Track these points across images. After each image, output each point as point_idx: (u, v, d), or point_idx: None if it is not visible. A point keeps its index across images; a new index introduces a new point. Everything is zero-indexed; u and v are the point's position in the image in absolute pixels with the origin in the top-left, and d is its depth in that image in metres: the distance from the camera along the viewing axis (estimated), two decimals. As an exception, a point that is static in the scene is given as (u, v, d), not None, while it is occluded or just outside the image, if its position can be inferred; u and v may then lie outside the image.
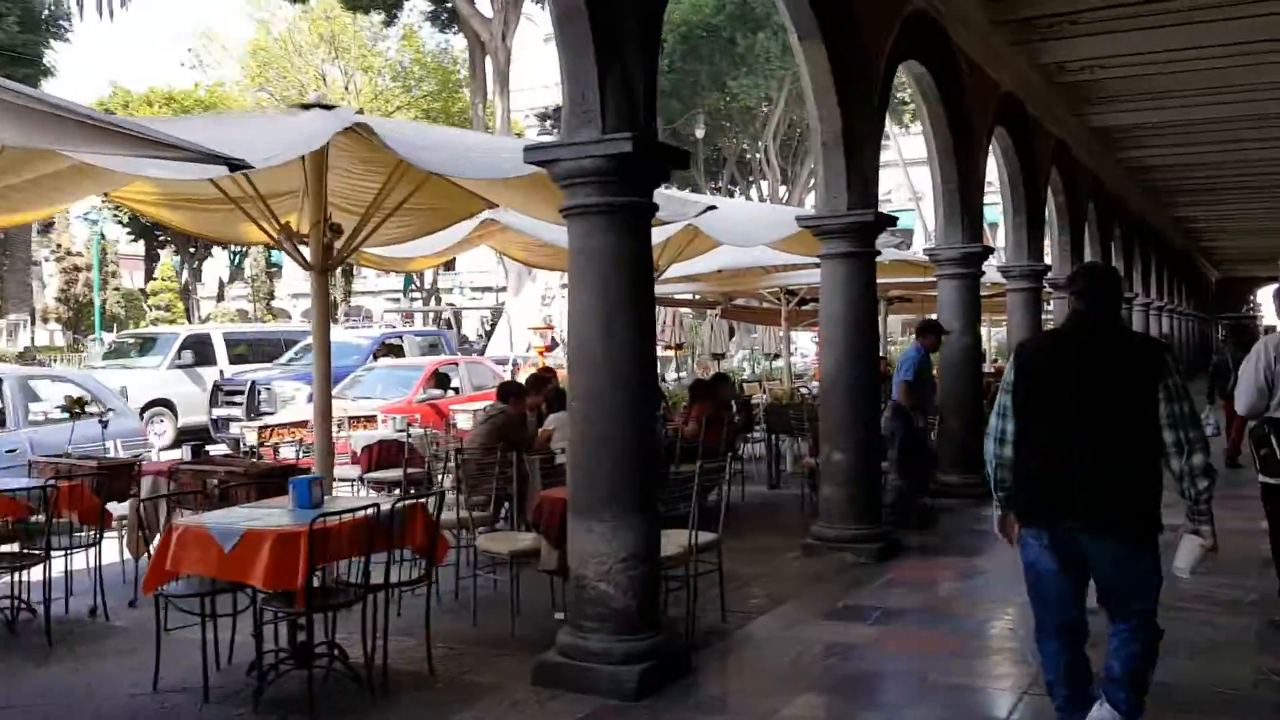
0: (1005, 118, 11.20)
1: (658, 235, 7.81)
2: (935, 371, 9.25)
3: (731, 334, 28.86)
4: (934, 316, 9.89)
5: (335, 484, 9.15)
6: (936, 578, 6.79)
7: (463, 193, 6.82)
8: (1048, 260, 13.68)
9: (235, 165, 3.99)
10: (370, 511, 4.67)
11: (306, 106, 6.06)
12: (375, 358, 16.84)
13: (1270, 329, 15.42)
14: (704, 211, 6.87)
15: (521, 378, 11.16)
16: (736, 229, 8.31)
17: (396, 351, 18.07)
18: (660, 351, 22.30)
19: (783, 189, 33.83)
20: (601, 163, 4.53)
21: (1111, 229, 17.93)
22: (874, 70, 7.71)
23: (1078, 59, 11.00)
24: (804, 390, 14.68)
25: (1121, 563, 3.56)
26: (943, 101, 9.51)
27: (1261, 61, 10.50)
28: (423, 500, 5.02)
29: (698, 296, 16.01)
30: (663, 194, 7.93)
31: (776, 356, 19.47)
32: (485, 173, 5.42)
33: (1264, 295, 43.53)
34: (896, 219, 7.52)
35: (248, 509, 5.01)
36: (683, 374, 19.81)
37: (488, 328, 38.28)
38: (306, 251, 6.29)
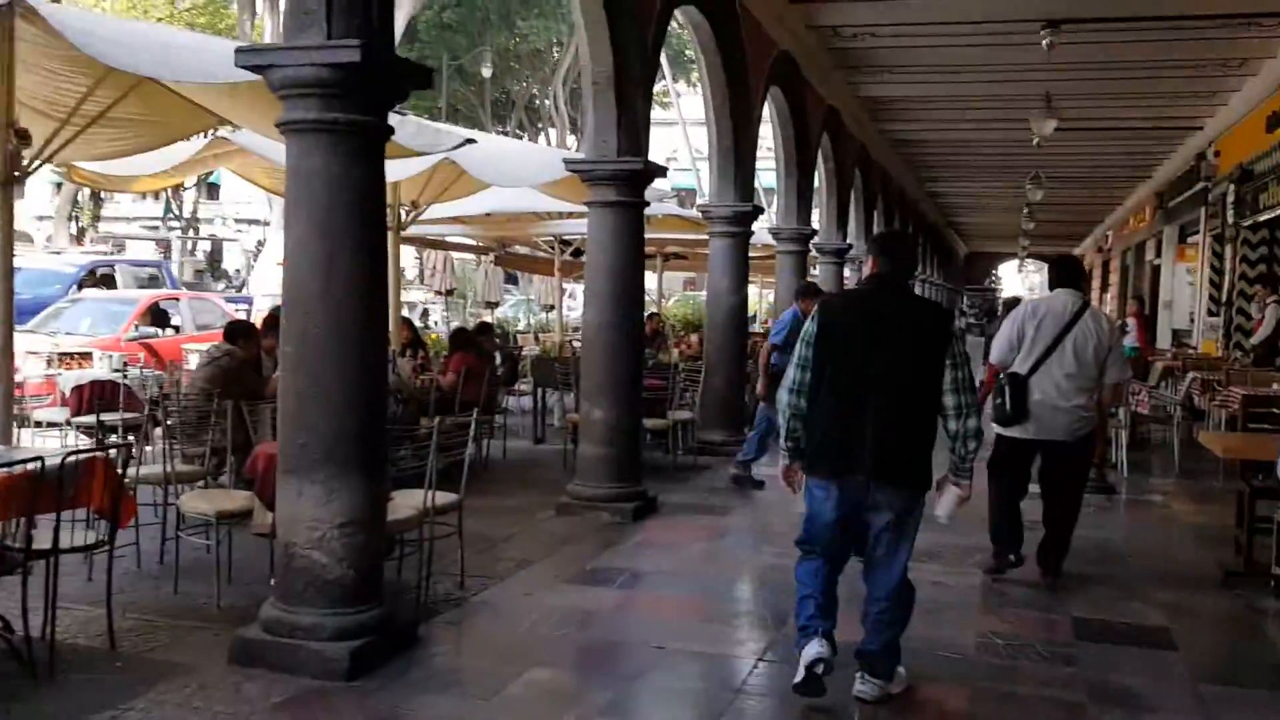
0: (781, 78, 11.22)
1: (413, 168, 7.25)
2: None
3: (514, 282, 28.29)
4: (815, 277, 9.71)
5: (33, 430, 8.09)
6: (688, 538, 6.67)
7: (184, 104, 5.97)
8: (815, 225, 13.99)
9: None
10: (34, 466, 3.94)
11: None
12: (80, 288, 15.00)
13: (1015, 299, 16.68)
14: (461, 145, 6.35)
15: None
16: (501, 168, 7.82)
17: (107, 282, 16.17)
18: (429, 296, 21.53)
19: (571, 138, 33.36)
20: (324, 72, 3.94)
21: (875, 199, 18.69)
22: (648, 9, 7.38)
23: (852, 24, 11.13)
24: (575, 344, 14.44)
25: (900, 514, 3.83)
26: (720, 54, 9.34)
27: (1008, 43, 10.96)
28: (102, 453, 4.31)
29: (475, 242, 15.39)
30: (418, 123, 7.36)
31: (551, 308, 19.13)
32: (190, 75, 4.68)
33: (1004, 270, 47.50)
34: (666, 169, 7.28)
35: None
36: (454, 321, 19.13)
37: (252, 263, 35.79)
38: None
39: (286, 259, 4.25)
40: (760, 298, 23.80)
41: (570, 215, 11.08)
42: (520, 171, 8.08)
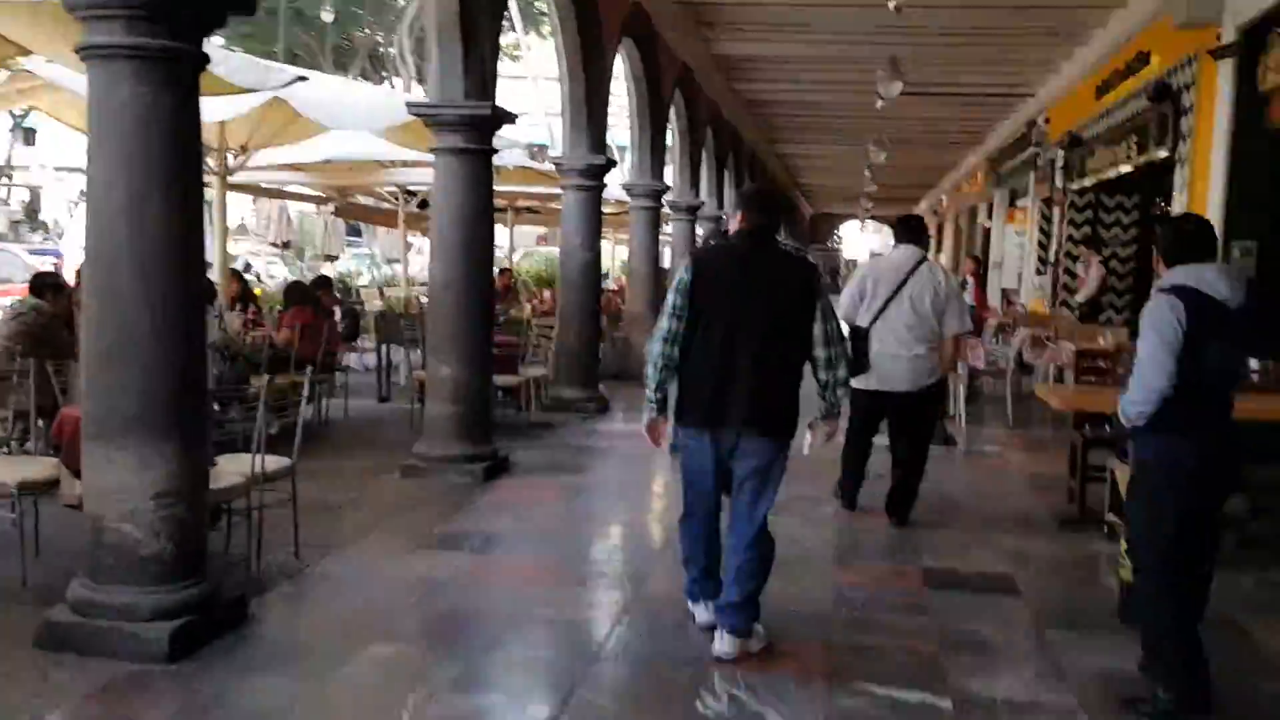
0: (633, 30, 10.98)
1: (240, 107, 6.69)
2: None
3: (358, 234, 27.17)
4: (668, 236, 9.34)
5: None
6: (542, 498, 6.48)
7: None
8: (669, 182, 13.88)
9: None
10: None
11: None
12: None
13: (852, 261, 17.17)
14: (292, 83, 5.87)
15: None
16: (337, 110, 7.32)
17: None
18: (261, 247, 20.39)
19: (418, 88, 32.13)
20: (129, -13, 3.48)
21: (726, 157, 18.78)
22: (498, -53, 7.01)
23: (705, -23, 10.99)
24: (422, 299, 13.94)
25: (767, 463, 3.90)
26: (573, 4, 9.03)
27: (858, 3, 11.05)
28: None
29: (313, 192, 14.59)
30: (245, 58, 6.80)
31: (395, 261, 18.47)
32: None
33: (845, 230, 48.93)
34: (515, 116, 6.95)
35: None
36: (288, 275, 18.19)
37: (72, 213, 33.09)
38: None
39: (89, 202, 3.78)
40: (613, 254, 23.70)
41: (416, 164, 10.57)
42: (359, 115, 7.59)
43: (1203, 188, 8.52)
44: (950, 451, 8.34)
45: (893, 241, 6.32)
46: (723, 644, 3.90)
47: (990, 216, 21.96)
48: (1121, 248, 14.00)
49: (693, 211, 15.68)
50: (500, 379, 8.56)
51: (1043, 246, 16.27)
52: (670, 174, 14.92)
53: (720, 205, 18.55)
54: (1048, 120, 15.60)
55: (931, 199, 34.29)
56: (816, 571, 5.06)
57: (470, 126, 6.63)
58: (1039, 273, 16.28)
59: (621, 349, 13.22)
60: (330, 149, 9.88)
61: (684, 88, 14.03)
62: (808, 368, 3.96)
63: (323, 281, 10.90)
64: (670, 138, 14.74)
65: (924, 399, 5.92)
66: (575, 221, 9.92)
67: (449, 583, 4.77)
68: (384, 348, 10.50)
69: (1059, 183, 14.32)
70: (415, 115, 6.80)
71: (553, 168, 10.25)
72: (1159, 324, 3.44)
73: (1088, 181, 12.88)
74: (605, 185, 10.13)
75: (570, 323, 9.97)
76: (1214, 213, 8.16)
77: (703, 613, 4.15)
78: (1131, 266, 13.98)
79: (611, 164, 9.98)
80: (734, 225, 4.08)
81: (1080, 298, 13.37)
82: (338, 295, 12.38)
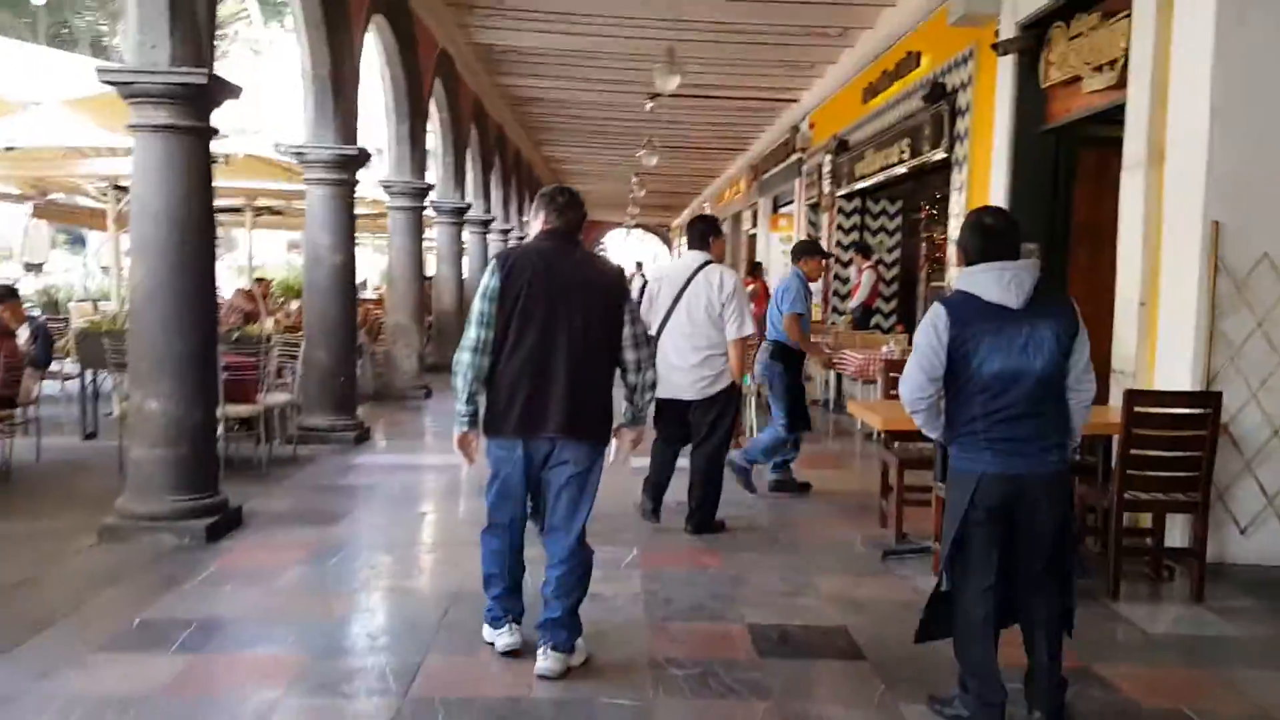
0: (385, 6, 9.80)
1: None
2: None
3: (81, 242, 23.98)
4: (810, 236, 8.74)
5: None
6: (283, 560, 5.23)
7: None
8: (431, 180, 12.69)
9: None
10: None
11: None
12: None
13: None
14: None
15: None
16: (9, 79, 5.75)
17: None
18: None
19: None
20: None
21: (493, 156, 17.73)
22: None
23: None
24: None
25: (584, 470, 3.78)
26: (313, -35, 7.79)
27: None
28: None
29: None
30: None
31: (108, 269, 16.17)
32: None
33: (609, 239, 48.90)
34: (239, 88, 5.68)
35: None
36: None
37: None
38: None
39: None
40: (375, 263, 22.06)
41: (128, 152, 8.90)
42: (34, 82, 6.02)
43: (982, 188, 8.41)
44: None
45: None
46: (547, 661, 3.74)
47: (755, 224, 22.12)
48: (887, 253, 14.19)
49: (459, 214, 14.56)
50: (233, 410, 7.20)
51: (811, 252, 16.33)
52: (435, 175, 13.74)
53: (488, 208, 17.47)
54: (811, 125, 15.67)
55: (694, 207, 34.66)
56: (628, 637, 4.20)
57: (180, 99, 5.31)
58: (809, 278, 16.32)
59: (384, 367, 11.92)
60: (12, 134, 8.09)
61: (444, 76, 12.92)
62: None
63: (9, 293, 8.98)
64: (434, 138, 13.57)
65: (708, 406, 5.81)
66: (322, 220, 8.64)
67: (146, 702, 3.52)
68: (88, 373, 8.75)
69: (826, 188, 14.33)
70: (108, 83, 5.39)
71: (291, 158, 8.89)
72: (920, 331, 3.39)
73: (858, 186, 12.87)
74: (358, 181, 8.89)
75: (320, 338, 8.67)
76: (997, 215, 8.04)
77: (506, 638, 3.93)
78: (897, 272, 14.21)
79: (365, 155, 8.76)
80: (536, 226, 3.90)
81: (854, 303, 13.39)
82: (32, 312, 10.38)
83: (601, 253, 49.01)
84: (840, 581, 5.01)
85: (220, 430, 6.31)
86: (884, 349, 9.34)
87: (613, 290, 3.83)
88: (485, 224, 17.42)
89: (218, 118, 5.69)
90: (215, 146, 9.90)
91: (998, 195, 8.03)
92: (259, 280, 12.92)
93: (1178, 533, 5.22)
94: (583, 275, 3.78)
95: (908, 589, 4.90)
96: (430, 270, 15.22)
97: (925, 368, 3.32)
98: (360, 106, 9.00)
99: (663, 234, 46.19)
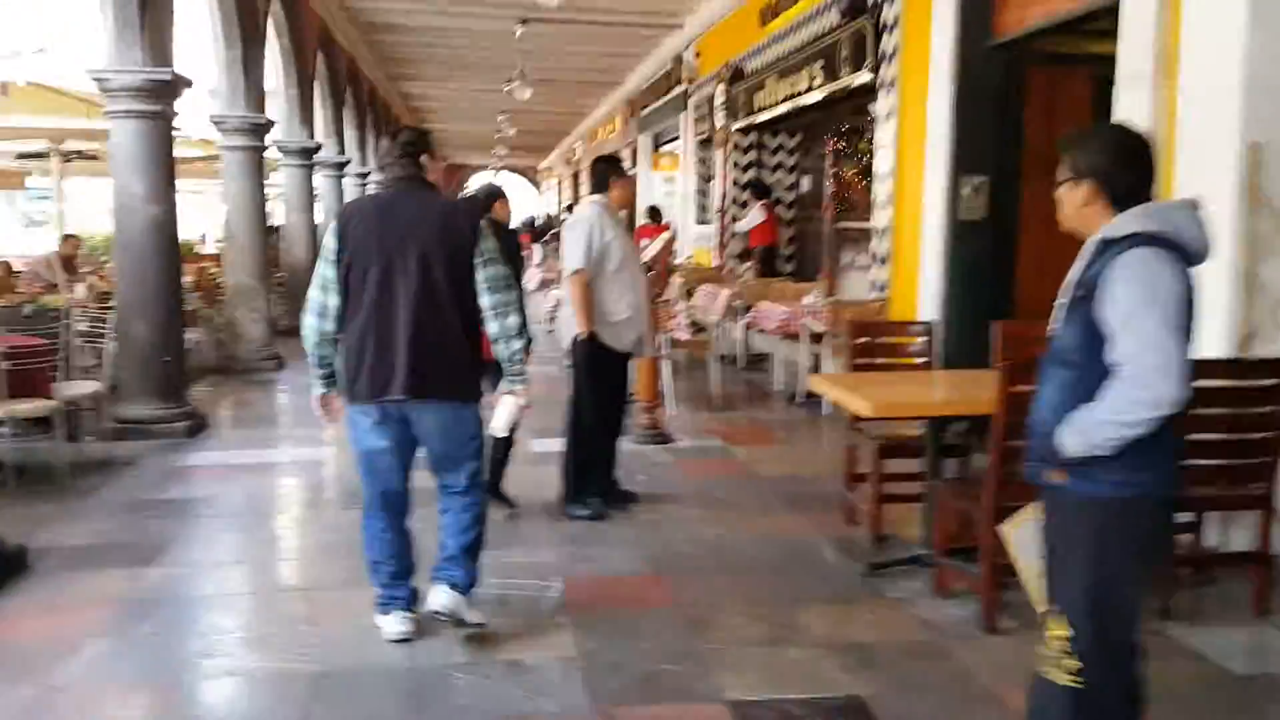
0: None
1: None
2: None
3: None
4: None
5: None
6: (75, 630, 3.77)
7: None
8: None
9: None
10: None
11: None
12: None
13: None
14: None
15: None
16: None
17: None
18: None
19: None
20: None
21: (344, 92, 15.80)
22: None
23: None
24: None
25: (447, 429, 3.57)
26: None
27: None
28: None
29: None
30: None
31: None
32: None
33: (474, 181, 46.79)
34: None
35: None
36: None
37: None
38: None
39: None
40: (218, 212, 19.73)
41: None
42: None
43: (917, 114, 7.37)
44: (672, 453, 6.64)
45: None
46: (439, 598, 3.57)
47: (635, 163, 20.82)
48: (786, 191, 13.17)
49: (307, 155, 12.79)
50: (16, 407, 5.60)
51: (702, 194, 15.21)
52: (278, 112, 11.90)
53: (341, 149, 15.62)
54: (698, 54, 14.44)
55: (564, 148, 33.03)
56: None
57: None
58: (700, 221, 15.21)
59: (227, 335, 10.23)
60: None
61: (286, 1, 11.10)
62: None
63: None
64: (275, 71, 11.74)
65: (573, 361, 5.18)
66: (133, 163, 6.96)
67: None
68: None
69: (720, 122, 13.15)
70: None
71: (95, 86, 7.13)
72: (1160, 291, 2.16)
73: (759, 118, 11.74)
74: (175, 113, 7.21)
75: (136, 308, 7.04)
76: (939, 144, 7.03)
77: (394, 625, 3.63)
78: (794, 214, 13.20)
79: (182, 81, 7.08)
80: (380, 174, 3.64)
81: (740, 228, 12.37)
82: None
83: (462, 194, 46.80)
84: (827, 616, 3.90)
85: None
86: (805, 300, 8.30)
87: (460, 232, 3.48)
88: (339, 166, 15.59)
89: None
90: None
91: (939, 122, 7.01)
92: (66, 238, 10.92)
93: (1211, 532, 4.33)
94: (425, 220, 3.46)
95: (914, 623, 3.83)
96: (279, 220, 13.44)
97: (1182, 331, 2.18)
98: (180, 30, 7.30)
99: (530, 176, 44.37)
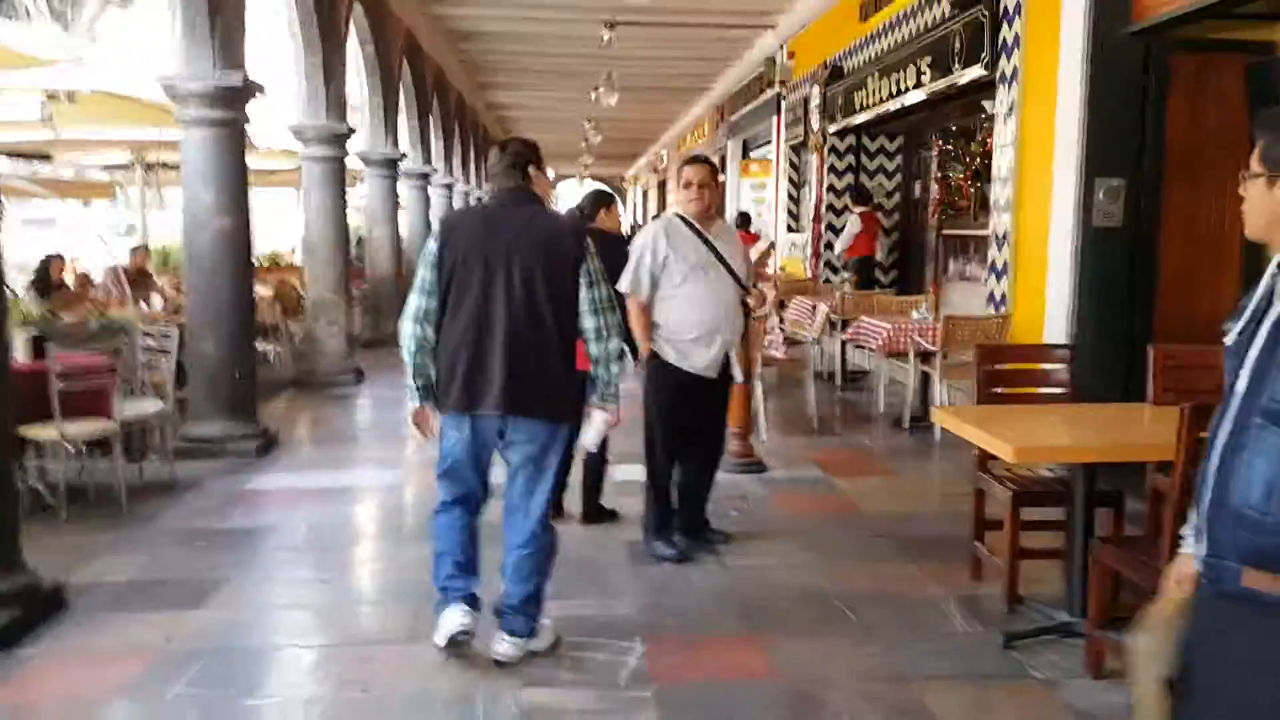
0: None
1: None
2: None
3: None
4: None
5: None
6: (103, 685, 3.37)
7: None
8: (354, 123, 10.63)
9: None
10: None
11: None
12: None
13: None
14: None
15: None
16: None
17: None
18: None
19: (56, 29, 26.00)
20: None
21: (430, 101, 15.60)
22: None
23: None
24: None
25: (539, 447, 3.48)
26: None
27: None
28: None
29: None
30: None
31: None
32: None
33: (563, 189, 46.71)
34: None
35: None
36: None
37: None
38: None
39: None
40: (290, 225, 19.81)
41: None
42: None
43: (1044, 112, 6.64)
44: (765, 484, 6.06)
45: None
46: (501, 646, 3.49)
47: (724, 170, 20.24)
48: (886, 198, 12.43)
49: (391, 165, 12.56)
50: (75, 429, 5.32)
51: (793, 199, 14.56)
52: (361, 121, 11.67)
53: (427, 159, 15.41)
54: (791, 55, 13.81)
55: (651, 155, 32.61)
56: None
57: None
58: (790, 229, 14.55)
59: (306, 348, 9.99)
60: None
61: (369, 8, 10.87)
62: None
63: None
64: (358, 77, 11.53)
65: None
66: (202, 174, 6.69)
67: None
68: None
69: (815, 125, 12.50)
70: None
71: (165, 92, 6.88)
72: None
73: (856, 120, 11.06)
74: (247, 120, 6.92)
75: (205, 325, 6.76)
76: (1069, 142, 6.31)
77: (453, 616, 3.50)
78: (896, 220, 12.45)
79: (254, 88, 6.78)
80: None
81: (838, 248, 11.64)
82: None
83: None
84: (960, 698, 3.28)
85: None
86: (914, 315, 7.62)
87: (566, 251, 3.43)
88: (425, 177, 15.38)
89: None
90: (55, 82, 7.83)
91: (1069, 118, 6.28)
92: (135, 250, 10.80)
93: None
94: (529, 235, 3.41)
95: (1066, 713, 3.18)
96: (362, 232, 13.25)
97: None
98: (260, 38, 7.03)
99: (615, 185, 44.13)
